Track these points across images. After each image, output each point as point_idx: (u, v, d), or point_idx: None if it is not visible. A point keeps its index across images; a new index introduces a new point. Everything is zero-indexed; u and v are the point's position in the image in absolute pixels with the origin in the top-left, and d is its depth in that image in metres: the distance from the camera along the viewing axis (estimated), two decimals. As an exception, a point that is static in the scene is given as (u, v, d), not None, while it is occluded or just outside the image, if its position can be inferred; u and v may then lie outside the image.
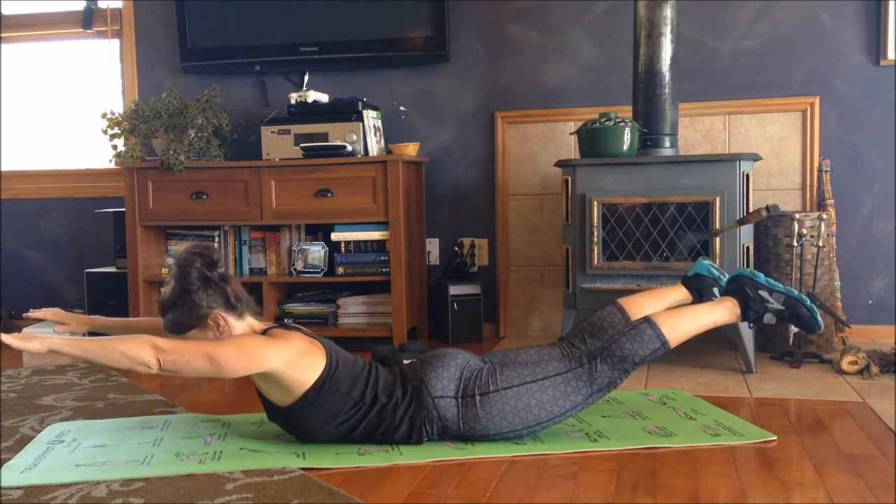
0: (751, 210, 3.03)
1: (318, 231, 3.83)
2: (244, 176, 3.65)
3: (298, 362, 2.05)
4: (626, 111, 3.43)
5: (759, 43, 3.63)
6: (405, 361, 2.24)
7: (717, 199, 3.04)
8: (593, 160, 3.18)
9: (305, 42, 3.92)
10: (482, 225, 3.94)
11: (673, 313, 2.31)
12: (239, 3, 3.98)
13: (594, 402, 2.21)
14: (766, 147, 3.61)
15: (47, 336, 1.97)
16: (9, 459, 2.12)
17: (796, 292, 2.42)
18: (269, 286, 3.73)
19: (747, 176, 3.06)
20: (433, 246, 3.99)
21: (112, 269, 3.99)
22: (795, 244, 3.15)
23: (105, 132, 3.78)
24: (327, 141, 3.67)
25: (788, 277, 3.20)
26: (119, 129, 3.77)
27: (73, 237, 4.41)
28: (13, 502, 1.84)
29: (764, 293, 2.40)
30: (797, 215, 3.15)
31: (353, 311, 3.71)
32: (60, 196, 4.42)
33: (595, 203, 3.15)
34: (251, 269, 3.86)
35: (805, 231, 3.15)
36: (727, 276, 2.57)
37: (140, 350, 1.93)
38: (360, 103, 3.68)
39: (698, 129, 3.68)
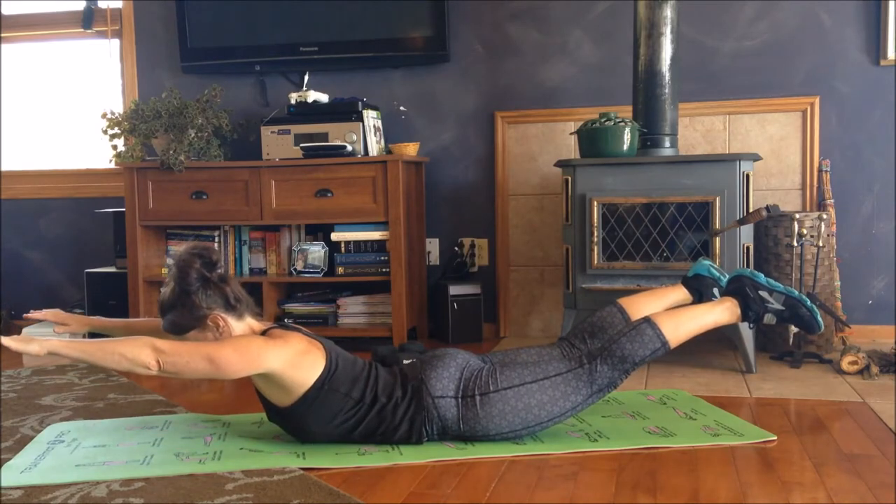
0: (751, 210, 3.03)
1: (318, 231, 3.83)
2: (244, 176, 3.65)
3: (298, 363, 2.05)
4: (626, 111, 3.43)
5: (759, 43, 3.63)
6: (405, 361, 2.24)
7: (717, 199, 3.04)
8: (593, 160, 3.18)
9: (305, 42, 3.92)
10: (482, 225, 3.94)
11: (673, 313, 2.31)
12: (239, 3, 3.98)
13: (594, 403, 2.21)
14: (766, 147, 3.61)
15: (46, 338, 1.97)
16: (9, 459, 2.12)
17: (796, 292, 2.42)
18: (269, 286, 3.73)
19: (747, 176, 3.06)
20: (433, 246, 3.99)
21: (112, 269, 3.99)
22: (795, 244, 3.15)
23: (105, 132, 3.78)
24: (327, 141, 3.67)
25: (788, 277, 3.20)
26: (119, 129, 3.77)
27: (73, 237, 4.41)
28: (13, 502, 1.84)
29: (764, 293, 2.40)
30: (797, 215, 3.15)
31: (353, 311, 3.71)
32: (60, 196, 4.42)
33: (595, 203, 3.15)
34: (251, 269, 3.86)
35: (805, 231, 3.15)
36: (727, 276, 2.57)
37: (139, 352, 1.93)
38: (360, 103, 3.68)
39: (698, 129, 3.68)
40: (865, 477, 1.91)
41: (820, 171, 3.58)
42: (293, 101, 3.78)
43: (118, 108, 4.22)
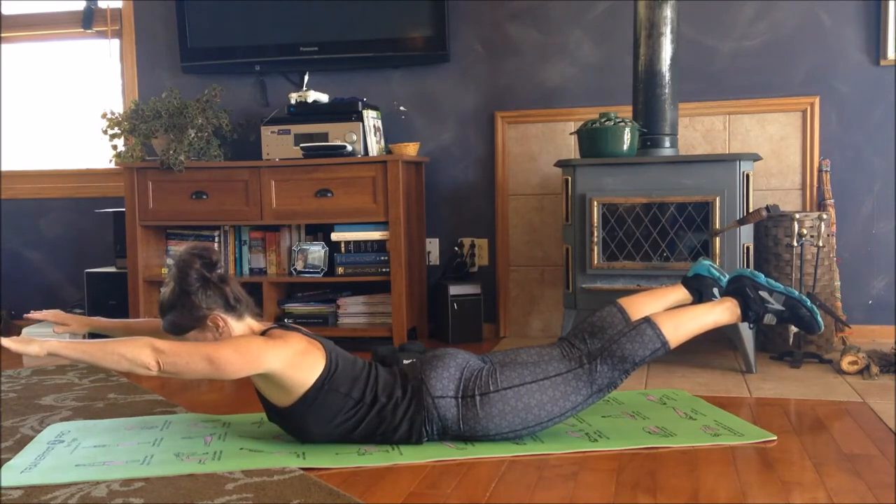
0: (751, 210, 3.03)
1: (318, 231, 3.83)
2: (244, 176, 3.65)
3: (298, 363, 2.05)
4: (626, 111, 3.43)
5: (759, 43, 3.63)
6: (405, 361, 2.24)
7: (717, 199, 3.04)
8: (593, 160, 3.18)
9: (305, 42, 3.92)
10: (482, 225, 3.94)
11: (673, 314, 2.31)
12: (239, 3, 3.98)
13: (594, 403, 2.21)
14: (766, 147, 3.61)
15: (46, 339, 1.97)
16: (9, 459, 2.12)
17: (797, 293, 2.42)
18: (269, 286, 3.73)
19: (747, 176, 3.06)
20: (433, 246, 3.99)
21: (112, 269, 3.99)
22: (795, 244, 3.15)
23: (105, 132, 3.78)
24: (327, 141, 3.67)
25: (788, 277, 3.20)
26: (119, 129, 3.77)
27: (73, 237, 4.41)
28: (13, 502, 1.84)
29: (764, 294, 2.40)
30: (797, 215, 3.15)
31: (353, 311, 3.71)
32: (60, 196, 4.42)
33: (595, 203, 3.15)
34: (251, 269, 3.86)
35: (805, 231, 3.15)
36: (727, 276, 2.57)
37: (139, 352, 1.93)
38: (360, 103, 3.68)
39: (698, 129, 3.68)
40: (865, 477, 1.91)
41: (820, 171, 3.58)
42: (293, 101, 3.78)
43: (118, 108, 4.22)
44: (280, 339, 2.07)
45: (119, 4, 4.29)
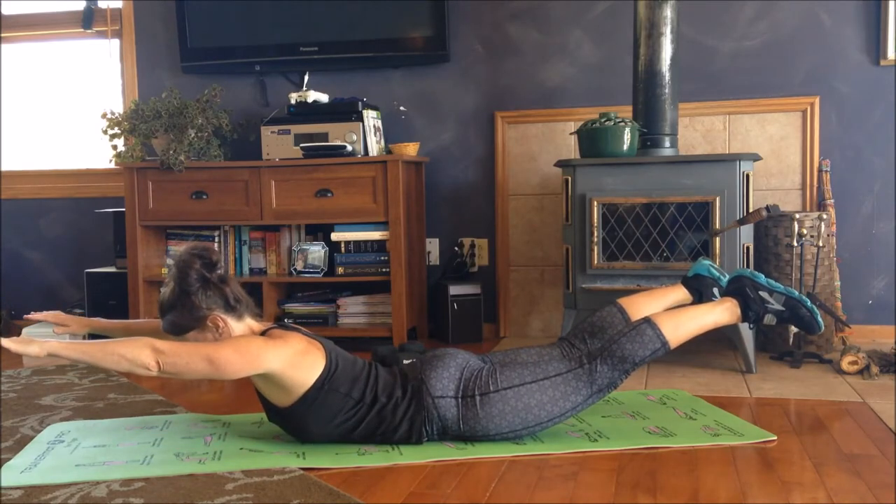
0: (751, 210, 3.03)
1: (318, 231, 3.83)
2: (244, 176, 3.65)
3: (298, 363, 2.05)
4: (626, 111, 3.43)
5: (759, 43, 3.63)
6: (405, 361, 2.24)
7: (717, 199, 3.04)
8: (593, 160, 3.18)
9: (305, 42, 3.92)
10: (482, 225, 3.94)
11: (673, 314, 2.31)
12: (239, 3, 3.98)
13: (594, 403, 2.21)
14: (766, 147, 3.61)
15: (46, 340, 1.97)
16: (9, 459, 2.12)
17: (797, 293, 2.41)
18: (269, 286, 3.73)
19: (747, 176, 3.06)
20: (433, 246, 3.99)
21: (112, 269, 3.99)
22: (795, 244, 3.15)
23: (105, 132, 3.78)
24: (327, 141, 3.67)
25: (788, 277, 3.20)
26: (119, 129, 3.77)
27: (73, 237, 4.41)
28: (13, 502, 1.84)
29: (764, 294, 2.40)
30: (797, 215, 3.15)
31: (353, 311, 3.71)
32: (60, 196, 4.42)
33: (595, 203, 3.15)
34: (251, 269, 3.86)
35: (805, 231, 3.15)
36: (727, 276, 2.57)
37: (139, 353, 1.93)
38: (360, 103, 3.68)
39: (698, 129, 3.68)
40: (865, 477, 1.91)
41: (820, 171, 3.58)
42: (293, 101, 3.78)
43: (118, 108, 4.22)
44: (280, 339, 2.07)
45: (119, 4, 4.29)
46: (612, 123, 3.14)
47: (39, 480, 1.96)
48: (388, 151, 3.79)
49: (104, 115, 3.78)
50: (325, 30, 3.91)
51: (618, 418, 2.41)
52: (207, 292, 2.12)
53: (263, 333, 2.14)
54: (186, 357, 1.95)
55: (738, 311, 2.38)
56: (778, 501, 1.78)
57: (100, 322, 2.47)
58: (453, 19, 3.86)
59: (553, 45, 3.81)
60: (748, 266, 3.07)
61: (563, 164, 3.25)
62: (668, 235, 3.13)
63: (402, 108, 3.99)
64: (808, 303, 2.40)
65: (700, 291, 2.59)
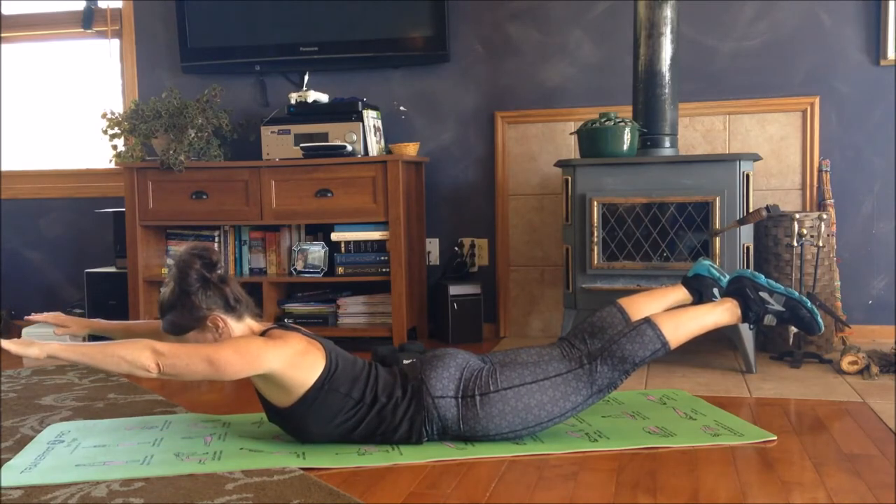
0: (751, 210, 3.03)
1: (318, 231, 3.83)
2: (244, 176, 3.65)
3: (298, 363, 2.05)
4: (626, 111, 3.43)
5: (759, 43, 3.63)
6: (405, 361, 2.24)
7: (717, 199, 3.04)
8: (593, 160, 3.18)
9: (305, 42, 3.92)
10: (482, 225, 3.94)
11: (673, 314, 2.31)
12: (239, 3, 3.98)
13: (594, 403, 2.21)
14: (766, 147, 3.61)
15: (46, 342, 1.96)
16: (9, 459, 2.12)
17: (797, 294, 2.41)
18: (269, 286, 3.73)
19: (747, 176, 3.06)
20: (433, 246, 3.99)
21: (112, 269, 3.99)
22: (795, 244, 3.15)
23: (105, 132, 3.78)
24: (327, 141, 3.67)
25: (788, 277, 3.20)
26: (119, 129, 3.77)
27: (73, 237, 4.41)
28: (13, 502, 1.84)
29: (764, 294, 2.40)
30: (797, 215, 3.15)
31: (353, 311, 3.71)
32: (60, 196, 4.42)
33: (595, 203, 3.15)
34: (251, 269, 3.86)
35: (805, 231, 3.15)
36: (727, 277, 2.57)
37: (139, 354, 1.93)
38: (360, 103, 3.68)
39: (698, 129, 3.68)
40: (865, 477, 1.91)
41: (820, 171, 3.58)
42: (293, 101, 3.78)
43: (118, 108, 4.22)
44: (280, 340, 2.07)
45: (119, 4, 4.29)
46: (612, 123, 3.14)
47: (39, 480, 1.96)
48: (388, 151, 3.79)
49: (104, 115, 3.78)
50: (325, 30, 3.91)
51: (618, 418, 2.41)
52: (207, 292, 2.12)
53: (263, 333, 2.14)
54: (186, 358, 1.95)
55: (738, 311, 2.38)
56: (778, 501, 1.78)
57: (100, 323, 2.47)
58: (453, 19, 3.86)
59: (553, 45, 3.81)
60: (748, 266, 3.07)
61: (563, 164, 3.25)
62: (668, 235, 3.13)
63: (402, 108, 3.99)
64: (809, 303, 2.40)
65: (700, 292, 2.59)
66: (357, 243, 3.66)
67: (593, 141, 3.18)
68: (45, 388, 2.98)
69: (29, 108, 4.57)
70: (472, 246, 3.94)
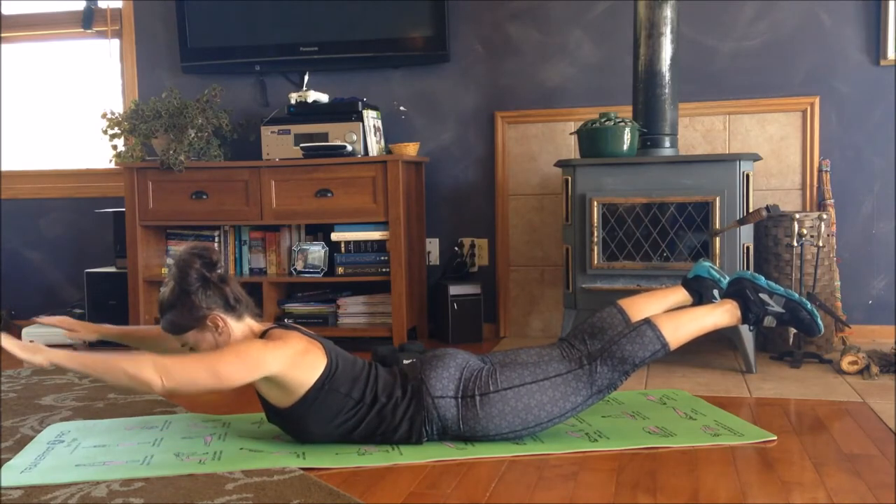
0: (751, 210, 3.03)
1: (318, 231, 3.83)
2: (244, 176, 3.65)
3: (298, 363, 2.05)
4: (626, 111, 3.43)
5: (759, 43, 3.63)
6: (405, 361, 2.24)
7: (717, 199, 3.04)
8: (593, 160, 3.19)
9: (305, 42, 3.92)
10: (482, 225, 3.94)
11: (673, 315, 2.31)
12: (239, 3, 3.98)
13: (594, 404, 2.21)
14: (766, 147, 3.61)
15: (53, 350, 1.96)
16: (9, 459, 2.12)
17: (797, 295, 2.41)
18: (269, 286, 3.73)
19: (747, 176, 3.06)
20: (433, 246, 3.99)
21: (112, 269, 3.99)
22: (795, 244, 3.15)
23: (105, 132, 3.78)
24: (327, 141, 3.67)
25: (788, 277, 3.20)
26: (119, 129, 3.77)
27: (73, 237, 4.41)
28: (13, 502, 1.84)
29: (764, 296, 2.40)
30: (797, 215, 3.15)
31: (353, 311, 3.71)
32: (60, 196, 4.42)
33: (595, 203, 3.15)
34: (251, 269, 3.86)
35: (805, 231, 3.15)
36: (727, 278, 2.57)
37: (142, 369, 1.91)
38: (360, 103, 3.68)
39: (698, 129, 3.68)
40: (865, 477, 1.91)
41: (820, 171, 3.58)
42: (293, 101, 3.78)
43: (118, 108, 4.22)
44: (280, 340, 2.06)
45: (119, 4, 4.29)
46: (612, 123, 3.14)
47: (39, 480, 1.96)
48: (388, 151, 3.79)
49: (104, 115, 3.78)
50: (325, 30, 3.91)
51: (618, 418, 2.41)
52: (207, 292, 2.12)
53: (263, 334, 2.14)
54: (189, 372, 1.94)
55: (738, 312, 2.38)
56: (778, 501, 1.79)
57: (109, 329, 2.46)
58: (453, 19, 3.86)
59: (553, 45, 3.81)
60: (748, 266, 3.07)
61: (563, 164, 3.25)
62: (668, 235, 3.13)
63: (402, 108, 3.99)
64: (808, 305, 2.40)
65: (700, 293, 2.59)
66: (357, 243, 3.66)
67: (593, 141, 3.18)
68: (45, 388, 2.98)
69: (29, 108, 4.57)
70: (472, 246, 3.94)
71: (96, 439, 2.29)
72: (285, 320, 3.61)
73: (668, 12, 3.21)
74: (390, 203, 3.51)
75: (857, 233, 3.60)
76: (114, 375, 1.93)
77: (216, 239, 3.86)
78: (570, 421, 2.33)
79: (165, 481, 1.94)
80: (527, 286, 3.89)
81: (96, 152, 4.26)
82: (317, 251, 3.72)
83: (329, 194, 3.56)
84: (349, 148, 3.62)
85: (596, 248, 3.16)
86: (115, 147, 3.80)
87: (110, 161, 3.84)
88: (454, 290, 3.72)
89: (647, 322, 2.23)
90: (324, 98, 3.86)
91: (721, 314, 2.38)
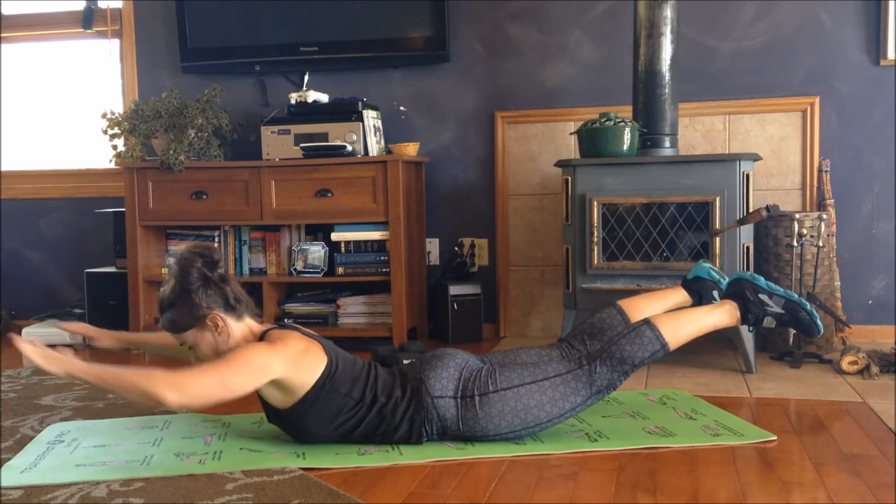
0: (751, 210, 3.03)
1: (318, 231, 3.83)
2: (244, 176, 3.65)
3: (299, 363, 2.05)
4: (626, 111, 3.43)
5: (759, 43, 3.63)
6: (405, 361, 2.24)
7: (717, 199, 3.04)
8: (593, 160, 3.19)
9: (305, 42, 3.92)
10: (482, 225, 3.94)
11: (673, 316, 2.31)
12: (239, 3, 3.98)
13: (594, 404, 2.21)
14: (766, 147, 3.61)
15: (68, 360, 1.96)
16: (9, 459, 2.12)
17: (796, 296, 2.41)
18: (269, 286, 3.73)
19: (747, 176, 3.06)
20: (433, 246, 3.99)
21: (112, 269, 3.99)
22: (795, 244, 3.15)
23: (105, 132, 3.78)
24: (327, 141, 3.67)
25: (788, 277, 3.20)
26: (119, 129, 3.77)
27: (73, 237, 4.41)
28: (13, 502, 1.84)
29: (764, 297, 2.40)
30: (797, 215, 3.16)
31: (353, 311, 3.71)
32: (60, 196, 4.42)
33: (595, 203, 3.15)
34: (251, 269, 3.86)
35: (805, 231, 3.15)
36: (727, 278, 2.57)
37: (155, 385, 1.89)
38: (360, 103, 3.68)
39: (698, 129, 3.68)
40: (865, 477, 1.91)
41: (820, 171, 3.58)
42: (293, 101, 3.78)
43: (118, 108, 4.22)
44: (280, 342, 2.06)
45: (119, 4, 4.29)
46: (612, 123, 3.15)
47: (39, 480, 1.96)
48: (388, 151, 3.79)
49: (104, 115, 3.78)
50: (325, 30, 3.91)
51: (618, 418, 2.41)
52: (208, 291, 2.12)
53: (263, 334, 2.14)
54: (202, 385, 1.93)
55: (737, 313, 2.38)
56: (778, 501, 1.79)
57: (129, 336, 2.48)
58: (453, 19, 3.86)
59: (553, 45, 3.81)
60: (748, 266, 3.07)
61: (563, 164, 3.25)
62: (668, 235, 3.13)
63: (402, 108, 3.99)
64: (808, 306, 2.40)
65: (700, 294, 2.59)
66: (357, 243, 3.66)
67: (593, 141, 3.18)
68: (45, 388, 2.98)
69: (29, 108, 4.57)
70: (472, 246, 3.94)
71: (96, 439, 2.29)
72: (285, 320, 3.62)
73: (668, 12, 3.21)
74: (390, 203, 3.51)
75: (857, 233, 3.60)
76: (128, 390, 1.93)
77: (216, 239, 3.86)
78: (570, 421, 2.33)
79: (165, 481, 1.94)
80: (527, 286, 3.89)
81: (96, 152, 4.26)
82: (317, 251, 3.72)
83: (329, 194, 3.56)
84: (349, 148, 3.62)
85: (596, 248, 3.16)
86: (115, 147, 3.80)
87: (110, 161, 3.84)
88: (454, 290, 3.72)
89: (647, 322, 2.23)
90: (324, 98, 3.86)
91: (721, 315, 2.38)
